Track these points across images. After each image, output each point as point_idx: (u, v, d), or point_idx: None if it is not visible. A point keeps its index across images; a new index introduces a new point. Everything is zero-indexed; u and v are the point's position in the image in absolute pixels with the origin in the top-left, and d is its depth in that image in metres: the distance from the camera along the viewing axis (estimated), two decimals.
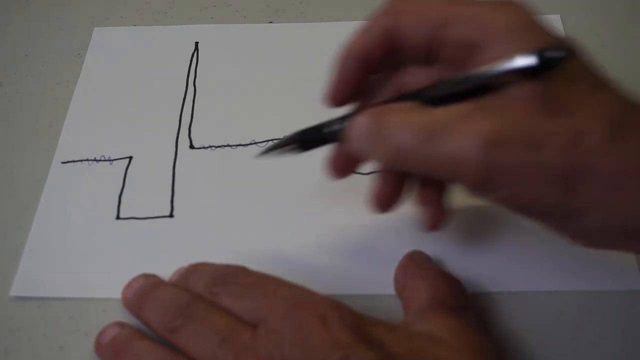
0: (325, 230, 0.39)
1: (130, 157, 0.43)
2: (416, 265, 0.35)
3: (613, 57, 0.47)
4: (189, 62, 0.49)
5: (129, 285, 0.36)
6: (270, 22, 0.51)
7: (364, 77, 0.33)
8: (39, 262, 0.38)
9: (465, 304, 0.33)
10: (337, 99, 0.34)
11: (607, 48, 0.48)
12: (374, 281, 0.37)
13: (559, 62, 0.27)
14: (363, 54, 0.32)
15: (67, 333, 0.36)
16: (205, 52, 0.49)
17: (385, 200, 0.34)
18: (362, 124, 0.31)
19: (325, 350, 0.28)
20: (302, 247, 0.38)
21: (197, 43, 0.50)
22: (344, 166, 0.35)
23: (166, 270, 0.37)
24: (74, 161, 0.43)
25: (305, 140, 0.34)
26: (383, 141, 0.30)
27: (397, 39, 0.31)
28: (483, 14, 0.29)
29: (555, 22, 0.49)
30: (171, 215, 0.40)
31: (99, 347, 0.34)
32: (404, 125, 0.29)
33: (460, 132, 0.28)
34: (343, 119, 0.33)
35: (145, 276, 0.36)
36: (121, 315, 0.35)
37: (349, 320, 0.29)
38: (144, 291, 0.35)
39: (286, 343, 0.29)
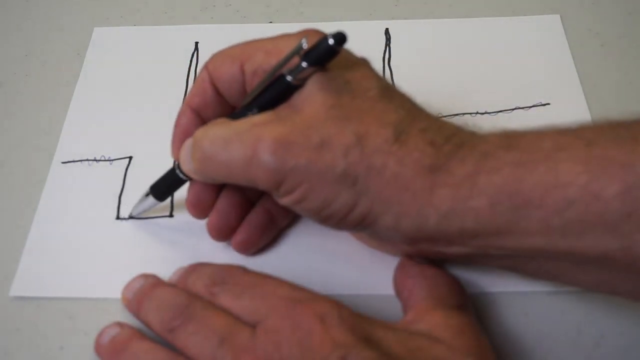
0: (325, 230, 0.39)
1: (130, 157, 0.43)
2: (415, 265, 0.35)
3: (613, 57, 0.48)
4: (189, 62, 0.49)
5: (128, 286, 0.36)
6: (270, 22, 0.51)
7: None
8: (39, 262, 0.38)
9: (463, 304, 0.33)
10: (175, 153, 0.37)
11: (607, 48, 0.48)
12: (373, 281, 0.37)
13: (330, 45, 0.30)
14: (194, 105, 0.36)
15: (67, 333, 0.36)
16: (205, 52, 0.49)
17: (201, 206, 0.37)
18: (186, 144, 0.35)
19: (324, 350, 0.28)
20: (302, 247, 0.38)
21: (197, 43, 0.50)
22: (200, 204, 0.37)
23: (166, 270, 0.37)
24: (74, 161, 0.43)
25: (158, 191, 0.38)
26: (195, 153, 0.34)
27: (216, 85, 0.35)
28: (278, 43, 0.33)
29: (555, 22, 0.49)
30: (171, 215, 0.40)
31: (98, 347, 0.34)
32: (207, 137, 0.33)
33: (251, 137, 0.31)
34: None
35: (145, 276, 0.36)
36: (121, 315, 0.35)
37: (347, 320, 0.30)
38: (144, 291, 0.35)
39: (285, 343, 0.29)
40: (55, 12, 0.53)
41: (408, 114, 0.31)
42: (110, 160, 0.43)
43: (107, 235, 0.40)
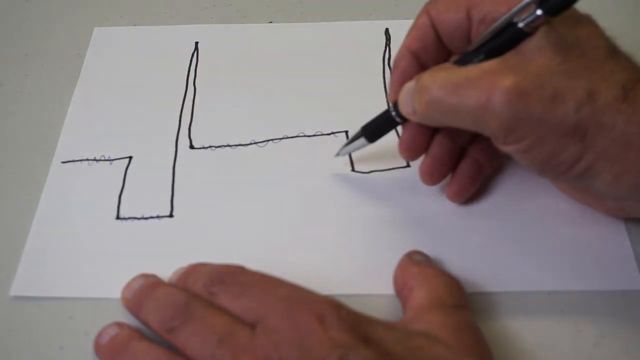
0: (325, 230, 0.39)
1: (130, 157, 0.43)
2: (415, 265, 0.35)
3: None
4: (189, 62, 0.49)
5: (128, 286, 0.36)
6: (270, 22, 0.51)
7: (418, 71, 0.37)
8: (39, 262, 0.38)
9: (463, 304, 0.33)
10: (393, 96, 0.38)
11: None
12: (373, 281, 0.37)
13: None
14: (414, 49, 0.37)
15: (67, 333, 0.36)
16: (205, 52, 0.49)
17: (414, 148, 0.38)
18: (407, 86, 0.35)
19: (323, 349, 0.28)
20: (302, 247, 0.38)
21: (197, 43, 0.50)
22: (413, 146, 0.38)
23: (166, 270, 0.37)
24: (74, 161, 0.43)
25: (370, 131, 0.39)
26: (420, 96, 0.34)
27: (438, 30, 0.36)
28: None
29: None
30: (171, 215, 0.40)
31: (97, 347, 0.34)
32: (434, 82, 0.33)
33: (485, 84, 0.31)
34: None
35: (145, 276, 0.36)
36: (121, 315, 0.35)
37: (347, 319, 0.30)
38: (143, 291, 0.35)
39: (284, 343, 0.29)
40: (55, 12, 0.53)
41: (635, 74, 0.32)
42: (110, 160, 0.43)
43: (107, 235, 0.39)
